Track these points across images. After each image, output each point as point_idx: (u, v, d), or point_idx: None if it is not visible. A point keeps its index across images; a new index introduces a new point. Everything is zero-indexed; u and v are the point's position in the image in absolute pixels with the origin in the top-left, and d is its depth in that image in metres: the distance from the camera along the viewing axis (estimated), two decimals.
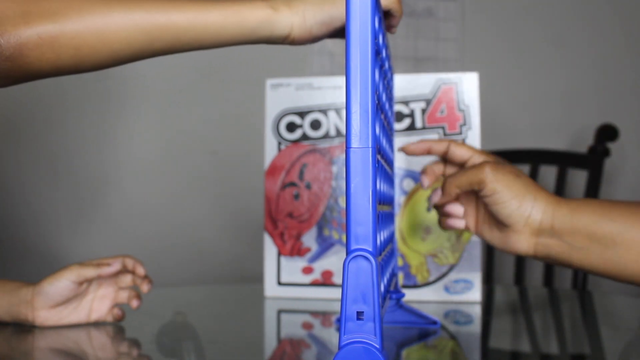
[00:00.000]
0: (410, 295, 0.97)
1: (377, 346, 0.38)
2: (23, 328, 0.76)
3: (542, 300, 1.13)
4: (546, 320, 0.95)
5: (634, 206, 0.63)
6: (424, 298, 0.97)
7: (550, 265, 1.61)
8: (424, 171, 0.77)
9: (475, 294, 0.96)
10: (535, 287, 1.68)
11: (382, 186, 0.53)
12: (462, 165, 0.74)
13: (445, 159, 0.77)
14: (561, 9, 2.03)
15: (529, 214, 0.65)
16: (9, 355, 0.70)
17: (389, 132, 0.67)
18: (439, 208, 0.75)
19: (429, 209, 0.76)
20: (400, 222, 0.98)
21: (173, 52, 0.65)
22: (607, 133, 1.65)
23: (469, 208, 0.73)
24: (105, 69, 0.66)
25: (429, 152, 0.76)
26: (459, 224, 0.73)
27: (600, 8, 2.04)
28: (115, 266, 0.80)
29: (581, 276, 1.56)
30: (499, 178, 0.65)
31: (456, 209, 0.73)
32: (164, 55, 0.65)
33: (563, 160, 1.67)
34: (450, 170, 0.76)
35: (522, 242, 0.66)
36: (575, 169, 1.67)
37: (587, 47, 2.04)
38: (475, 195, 0.72)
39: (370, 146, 0.37)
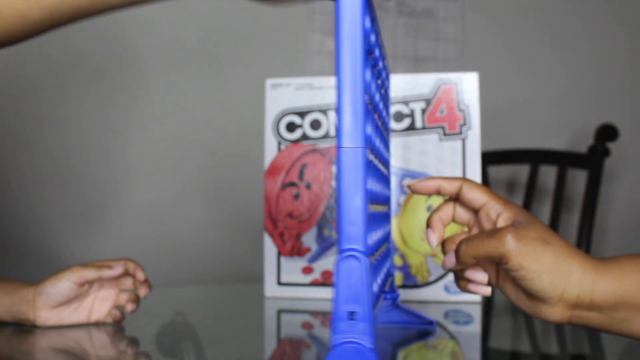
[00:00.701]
0: (410, 295, 0.97)
1: (369, 346, 0.38)
2: (23, 328, 0.76)
3: None
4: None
5: None
6: (424, 298, 0.97)
7: None
8: (429, 224, 0.65)
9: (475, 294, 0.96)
10: None
11: (374, 186, 0.53)
12: (475, 211, 0.63)
13: (456, 198, 0.65)
14: (561, 9, 2.03)
15: (563, 288, 0.55)
16: (9, 355, 0.70)
17: (383, 132, 0.67)
18: (455, 271, 0.64)
19: (444, 267, 0.61)
20: (400, 222, 0.98)
21: (83, 15, 0.60)
22: (607, 133, 1.65)
23: (488, 263, 0.62)
24: (19, 39, 0.60)
25: (438, 192, 0.64)
26: (484, 291, 0.62)
27: (600, 8, 2.04)
28: (117, 270, 0.81)
29: None
30: (524, 251, 0.55)
31: (479, 276, 0.62)
32: (77, 20, 0.61)
33: (563, 160, 1.67)
34: (460, 215, 0.65)
35: (555, 314, 0.57)
36: (575, 168, 1.67)
37: (587, 47, 2.04)
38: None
39: (361, 146, 0.37)
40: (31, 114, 1.76)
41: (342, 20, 0.38)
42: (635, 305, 0.54)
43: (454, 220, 0.65)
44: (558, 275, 0.55)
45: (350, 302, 0.38)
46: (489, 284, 0.62)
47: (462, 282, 0.63)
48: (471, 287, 0.62)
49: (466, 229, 0.65)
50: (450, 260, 0.60)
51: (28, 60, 1.75)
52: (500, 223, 0.59)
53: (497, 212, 0.60)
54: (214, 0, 1.87)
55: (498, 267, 0.61)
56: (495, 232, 0.56)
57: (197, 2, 1.86)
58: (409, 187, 0.65)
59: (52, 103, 1.77)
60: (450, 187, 0.63)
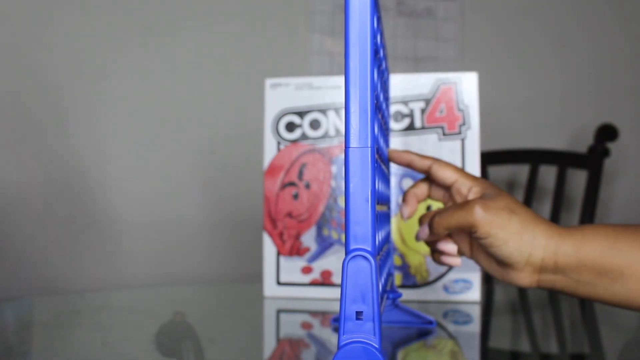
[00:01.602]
0: (410, 295, 0.97)
1: (377, 346, 0.38)
2: (22, 325, 0.76)
3: (541, 299, 1.13)
4: (546, 320, 0.95)
5: None
6: (423, 298, 0.97)
7: None
8: (404, 199, 0.71)
9: (475, 294, 0.96)
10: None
11: (379, 186, 0.53)
12: (447, 188, 0.68)
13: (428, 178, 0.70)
14: (561, 9, 2.03)
15: (529, 253, 0.59)
16: (9, 355, 0.70)
17: (385, 132, 0.67)
18: (430, 244, 0.70)
19: (417, 238, 0.69)
20: (400, 222, 0.98)
21: None
22: (606, 133, 1.65)
23: (461, 236, 0.68)
24: None
25: (409, 165, 0.70)
26: (454, 261, 0.68)
27: (600, 8, 2.04)
28: None
29: None
30: (491, 219, 0.59)
31: (449, 247, 0.68)
32: None
33: (563, 160, 1.67)
34: (435, 192, 0.70)
35: (524, 279, 0.61)
36: (575, 168, 1.67)
37: (587, 47, 2.04)
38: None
39: (369, 146, 0.37)
40: (31, 113, 1.76)
41: (352, 19, 0.37)
42: (596, 268, 0.57)
43: (429, 196, 0.71)
44: (523, 241, 0.59)
45: (358, 302, 0.38)
46: (460, 254, 0.68)
47: (435, 254, 0.70)
48: (443, 258, 0.68)
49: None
50: (424, 232, 0.67)
51: (27, 60, 1.75)
52: (471, 197, 0.64)
53: (467, 187, 0.65)
54: (214, 0, 1.87)
55: (471, 239, 0.66)
56: (464, 204, 0.61)
57: (196, 1, 1.86)
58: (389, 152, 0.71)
59: (51, 103, 1.76)
60: (421, 164, 0.68)
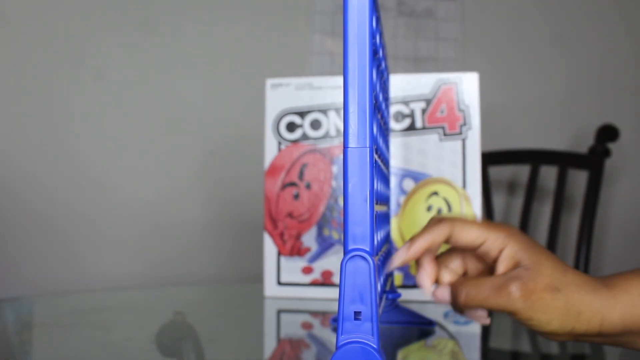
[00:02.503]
0: (410, 295, 0.96)
1: (375, 346, 0.38)
2: (22, 325, 0.76)
3: None
4: None
5: None
6: (423, 298, 0.97)
7: None
8: (422, 271, 0.58)
9: None
10: None
11: (378, 186, 0.53)
12: (474, 250, 0.57)
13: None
14: (561, 9, 2.03)
15: (572, 327, 0.54)
16: (9, 355, 0.70)
17: (385, 132, 0.67)
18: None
19: (435, 297, 0.57)
20: (400, 222, 0.98)
21: None
22: (607, 133, 1.65)
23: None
24: None
25: (429, 249, 0.57)
26: (484, 321, 0.60)
27: (601, 8, 2.04)
28: None
29: None
30: (534, 306, 0.53)
31: (479, 312, 0.59)
32: None
33: (563, 160, 1.67)
34: (456, 261, 0.60)
35: (560, 338, 0.56)
36: (576, 169, 1.67)
37: (588, 47, 2.04)
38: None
39: (368, 146, 0.37)
40: (28, 112, 1.76)
41: (350, 19, 0.37)
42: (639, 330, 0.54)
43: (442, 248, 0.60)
44: (567, 319, 0.54)
45: (357, 302, 0.38)
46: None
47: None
48: (470, 313, 0.59)
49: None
50: (444, 296, 0.57)
51: (27, 60, 1.75)
52: (502, 264, 0.56)
53: (497, 249, 0.56)
54: (215, 1, 1.87)
55: None
56: (500, 286, 0.54)
57: (197, 1, 1.86)
58: (393, 262, 0.58)
59: (51, 103, 1.77)
60: (440, 236, 0.57)
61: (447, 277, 0.59)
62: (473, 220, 0.57)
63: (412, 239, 0.57)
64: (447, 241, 0.57)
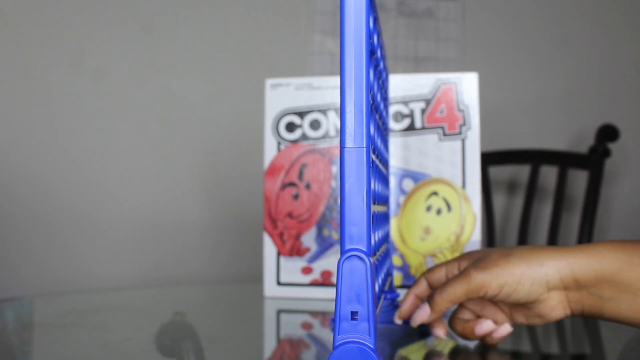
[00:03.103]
0: None
1: (371, 346, 0.38)
2: (22, 325, 0.76)
3: None
4: None
5: None
6: None
7: None
8: (405, 299, 0.70)
9: None
10: None
11: (376, 186, 0.53)
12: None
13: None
14: (562, 9, 2.03)
15: (545, 280, 0.58)
16: (10, 355, 0.70)
17: (383, 132, 0.67)
18: (467, 336, 0.66)
19: (414, 323, 0.67)
20: (399, 222, 0.98)
21: None
22: (607, 133, 1.65)
23: (490, 309, 0.65)
24: None
25: (418, 300, 0.69)
26: (506, 330, 0.65)
27: (602, 9, 2.04)
28: None
29: None
30: (493, 272, 0.58)
31: (485, 325, 0.64)
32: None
33: (564, 160, 1.67)
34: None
35: (556, 308, 0.59)
36: (576, 169, 1.67)
37: (588, 47, 2.04)
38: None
39: (364, 146, 0.37)
40: (29, 113, 1.76)
41: (347, 20, 0.37)
42: (617, 283, 0.56)
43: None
44: (534, 272, 0.58)
45: (353, 302, 0.38)
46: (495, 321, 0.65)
47: (487, 338, 0.66)
48: (495, 335, 0.65)
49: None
50: (425, 312, 0.64)
51: (27, 60, 1.75)
52: (463, 267, 0.65)
53: (456, 267, 0.65)
54: (214, 1, 1.87)
55: (501, 307, 0.64)
56: (461, 274, 0.61)
57: (197, 2, 1.86)
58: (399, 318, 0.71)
59: (51, 103, 1.77)
60: (421, 289, 0.69)
61: (412, 299, 0.70)
62: (438, 263, 0.69)
63: (404, 298, 0.70)
64: (432, 287, 0.68)
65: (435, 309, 0.63)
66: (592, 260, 0.57)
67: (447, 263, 0.67)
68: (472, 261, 0.63)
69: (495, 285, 0.58)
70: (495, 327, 0.64)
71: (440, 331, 0.67)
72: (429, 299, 0.63)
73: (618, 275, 0.56)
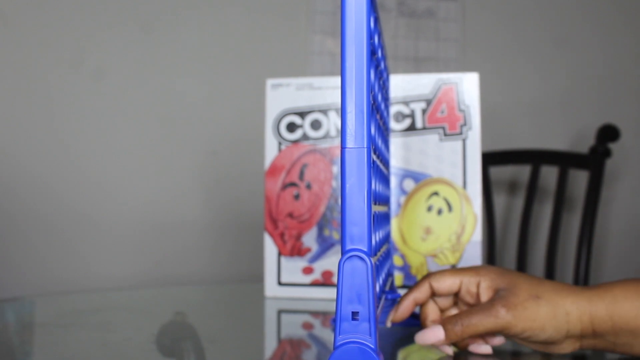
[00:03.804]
0: None
1: (372, 346, 0.38)
2: (23, 325, 0.76)
3: None
4: None
5: None
6: None
7: (551, 265, 1.61)
8: (400, 300, 0.67)
9: None
10: None
11: (377, 186, 0.53)
12: (455, 295, 0.66)
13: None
14: (562, 9, 2.03)
15: (566, 329, 0.59)
16: (10, 355, 0.70)
17: (384, 132, 0.67)
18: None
19: (420, 340, 0.63)
20: (400, 222, 0.98)
21: None
22: (608, 133, 1.65)
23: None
24: None
25: (415, 305, 0.67)
26: (486, 350, 0.65)
27: (602, 8, 2.04)
28: None
29: (582, 276, 1.56)
30: (522, 316, 0.58)
31: (483, 349, 0.65)
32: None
33: (564, 160, 1.67)
34: (441, 301, 0.67)
35: (567, 349, 0.60)
36: (577, 169, 1.67)
37: (588, 47, 2.04)
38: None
39: (365, 146, 0.37)
40: (29, 113, 1.76)
41: (348, 20, 0.37)
42: (632, 329, 0.57)
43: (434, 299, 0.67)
44: (558, 321, 0.58)
45: (354, 302, 0.38)
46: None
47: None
48: (474, 347, 0.65)
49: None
50: (436, 336, 0.61)
51: (27, 60, 1.76)
52: (484, 294, 0.62)
53: (475, 284, 0.63)
54: (214, 1, 1.87)
55: None
56: (487, 308, 0.59)
57: (197, 2, 1.86)
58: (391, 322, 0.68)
59: (51, 103, 1.77)
60: (422, 294, 0.65)
61: (408, 305, 0.67)
62: (447, 270, 0.65)
63: (400, 300, 0.66)
64: (437, 294, 0.65)
65: (452, 337, 0.61)
66: (609, 310, 0.58)
67: (460, 273, 0.64)
68: (497, 292, 0.61)
69: (520, 329, 0.58)
70: (489, 352, 0.65)
71: (449, 349, 0.64)
72: (445, 323, 0.61)
73: (634, 321, 0.57)
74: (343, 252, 0.39)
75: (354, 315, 0.38)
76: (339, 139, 1.01)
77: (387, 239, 0.69)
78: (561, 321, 0.58)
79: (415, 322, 0.76)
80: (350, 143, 0.38)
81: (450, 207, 0.96)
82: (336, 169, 1.01)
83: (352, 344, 0.38)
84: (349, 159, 0.38)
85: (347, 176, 0.38)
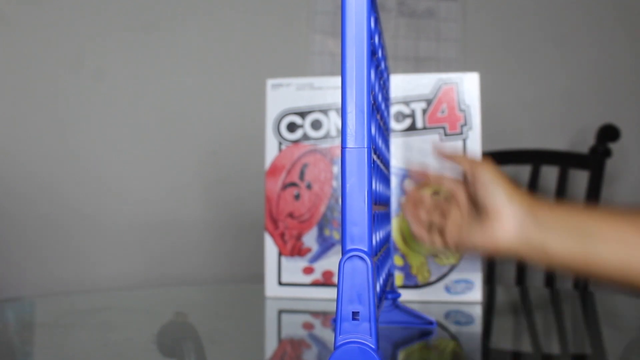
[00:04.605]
0: (411, 296, 0.97)
1: (373, 346, 0.37)
2: (23, 325, 0.76)
3: (543, 300, 1.13)
4: (547, 321, 0.95)
5: (611, 209, 0.66)
6: (424, 298, 0.97)
7: None
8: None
9: (476, 294, 0.96)
10: (537, 288, 1.67)
11: (378, 186, 0.53)
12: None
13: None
14: (562, 9, 2.03)
15: (510, 198, 0.69)
16: (10, 355, 0.70)
17: (385, 132, 0.67)
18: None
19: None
20: (401, 222, 0.98)
21: None
22: (608, 133, 1.65)
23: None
24: None
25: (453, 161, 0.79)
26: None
27: (602, 8, 2.04)
28: None
29: (582, 277, 1.56)
30: (486, 167, 0.72)
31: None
32: None
33: (564, 160, 1.67)
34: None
35: (506, 228, 0.67)
36: (577, 169, 1.67)
37: (588, 47, 2.04)
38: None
39: (365, 146, 0.37)
40: (29, 113, 1.76)
41: (348, 20, 0.37)
42: (565, 221, 0.66)
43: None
44: (510, 192, 0.70)
45: (355, 302, 0.38)
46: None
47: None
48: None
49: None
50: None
51: (27, 60, 1.76)
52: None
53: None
54: (215, 1, 1.87)
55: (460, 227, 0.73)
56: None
57: (197, 2, 1.86)
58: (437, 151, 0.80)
59: (50, 103, 1.77)
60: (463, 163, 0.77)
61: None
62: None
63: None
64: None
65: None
66: (550, 207, 0.70)
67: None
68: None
69: (486, 170, 0.72)
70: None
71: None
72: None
73: (570, 218, 0.66)
74: (343, 252, 0.39)
75: (355, 315, 0.38)
76: (340, 139, 1.01)
77: (387, 239, 0.69)
78: (510, 189, 0.70)
79: (415, 321, 0.77)
80: (350, 143, 0.38)
81: None
82: (336, 169, 1.01)
83: (353, 344, 0.38)
84: (349, 159, 0.38)
85: (347, 176, 0.38)
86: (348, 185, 0.38)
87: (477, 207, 0.71)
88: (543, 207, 0.68)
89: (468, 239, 0.71)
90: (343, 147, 0.38)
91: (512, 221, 0.67)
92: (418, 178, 0.80)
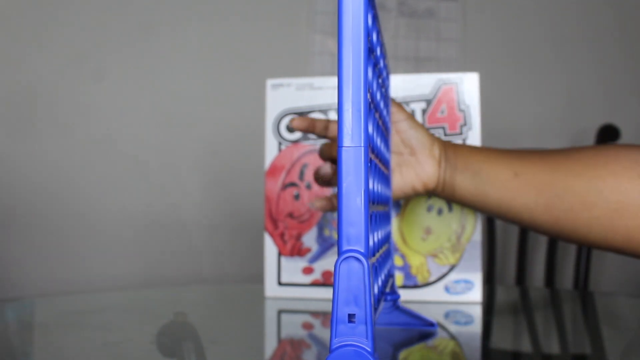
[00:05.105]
0: (411, 296, 0.96)
1: (369, 349, 0.37)
2: (23, 325, 0.76)
3: (543, 300, 1.13)
4: (547, 321, 0.95)
5: (501, 151, 0.76)
6: (424, 298, 0.97)
7: (552, 265, 1.60)
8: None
9: (476, 295, 0.96)
10: (537, 288, 1.67)
11: (376, 186, 0.53)
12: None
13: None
14: (562, 9, 2.03)
15: (431, 139, 0.76)
16: (10, 355, 0.70)
17: (384, 132, 0.67)
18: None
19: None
20: (400, 222, 0.98)
21: None
22: (608, 133, 1.65)
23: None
24: None
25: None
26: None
27: (601, 8, 2.04)
28: None
29: (582, 277, 1.56)
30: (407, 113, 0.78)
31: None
32: None
33: None
34: None
35: (429, 163, 0.75)
36: None
37: (588, 47, 2.04)
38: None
39: (362, 145, 0.37)
40: (29, 113, 1.76)
41: (345, 17, 0.37)
42: (465, 160, 0.74)
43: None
44: (428, 133, 0.78)
45: (351, 304, 0.37)
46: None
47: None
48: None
49: None
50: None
51: (27, 60, 1.76)
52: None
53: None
54: (215, 0, 1.87)
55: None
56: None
57: (197, 2, 1.86)
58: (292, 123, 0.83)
59: (51, 103, 1.77)
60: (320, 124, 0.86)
61: None
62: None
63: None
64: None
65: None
66: (455, 145, 0.78)
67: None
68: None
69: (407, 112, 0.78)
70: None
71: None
72: None
73: (468, 156, 0.75)
74: (339, 253, 0.38)
75: (350, 317, 0.37)
76: None
77: (387, 239, 0.69)
78: (429, 135, 0.77)
79: (416, 322, 0.76)
80: (347, 142, 0.37)
81: (450, 207, 0.96)
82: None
83: (348, 347, 0.37)
84: (345, 157, 0.37)
85: (343, 175, 0.37)
86: (344, 185, 0.37)
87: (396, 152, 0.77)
88: (450, 147, 0.76)
89: (404, 188, 0.77)
90: (339, 146, 0.37)
91: (434, 161, 0.75)
92: (302, 127, 0.83)
